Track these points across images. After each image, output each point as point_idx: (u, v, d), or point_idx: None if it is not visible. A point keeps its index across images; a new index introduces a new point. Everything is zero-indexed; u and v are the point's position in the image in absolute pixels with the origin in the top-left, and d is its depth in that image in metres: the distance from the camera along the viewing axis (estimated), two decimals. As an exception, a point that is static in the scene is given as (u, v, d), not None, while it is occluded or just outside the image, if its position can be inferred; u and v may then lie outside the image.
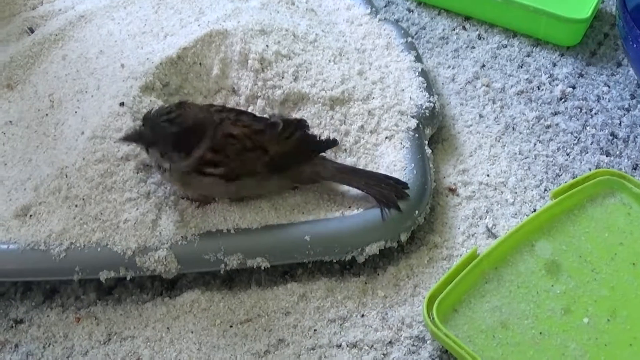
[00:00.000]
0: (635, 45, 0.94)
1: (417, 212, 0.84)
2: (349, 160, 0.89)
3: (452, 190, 0.92)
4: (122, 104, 0.87)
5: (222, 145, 0.79)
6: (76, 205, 0.81)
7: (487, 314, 0.78)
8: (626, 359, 0.75)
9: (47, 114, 0.93)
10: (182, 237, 0.80)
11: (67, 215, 0.80)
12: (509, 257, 0.82)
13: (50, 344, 0.79)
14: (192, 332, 0.79)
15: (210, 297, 0.81)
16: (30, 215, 0.82)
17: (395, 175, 0.85)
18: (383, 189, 0.83)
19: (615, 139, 0.99)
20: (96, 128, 0.85)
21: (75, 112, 0.90)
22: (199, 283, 0.83)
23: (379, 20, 1.08)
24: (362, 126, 0.91)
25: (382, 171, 0.87)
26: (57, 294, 0.83)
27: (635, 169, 0.95)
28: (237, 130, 0.80)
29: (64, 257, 0.79)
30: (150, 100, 0.89)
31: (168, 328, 0.79)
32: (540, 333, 0.76)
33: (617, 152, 0.97)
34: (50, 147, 0.88)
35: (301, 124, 0.85)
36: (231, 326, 0.79)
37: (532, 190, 0.92)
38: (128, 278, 0.80)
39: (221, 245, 0.79)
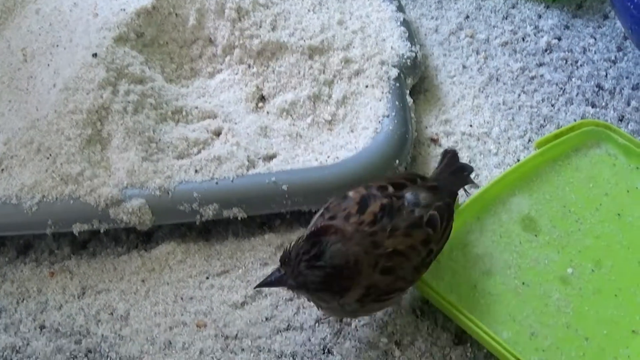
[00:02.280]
0: (621, -4, 0.92)
1: (397, 161, 0.82)
2: (328, 109, 0.88)
3: (435, 141, 0.91)
4: (94, 55, 0.85)
5: (389, 270, 0.66)
6: (47, 158, 0.79)
7: (470, 264, 0.77)
8: (611, 309, 0.74)
9: (19, 69, 0.91)
10: (156, 187, 0.78)
11: (39, 168, 0.79)
12: (492, 207, 0.81)
13: (24, 299, 0.78)
14: (167, 284, 0.78)
15: (186, 248, 0.80)
16: (2, 170, 0.80)
17: (373, 123, 0.84)
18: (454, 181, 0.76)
19: (601, 91, 0.97)
20: (68, 80, 0.84)
21: (48, 65, 0.89)
22: (175, 235, 0.82)
23: (361, -30, 1.06)
24: (341, 75, 0.90)
25: (361, 120, 0.86)
26: (30, 249, 0.82)
27: (621, 120, 0.94)
28: (402, 245, 0.67)
29: (36, 211, 0.77)
30: (124, 52, 0.87)
31: (143, 280, 0.78)
32: (523, 283, 0.75)
33: (603, 104, 0.95)
34: (23, 101, 0.86)
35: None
36: (207, 278, 0.78)
37: (515, 140, 0.91)
38: (102, 231, 0.79)
39: (196, 195, 0.78)
